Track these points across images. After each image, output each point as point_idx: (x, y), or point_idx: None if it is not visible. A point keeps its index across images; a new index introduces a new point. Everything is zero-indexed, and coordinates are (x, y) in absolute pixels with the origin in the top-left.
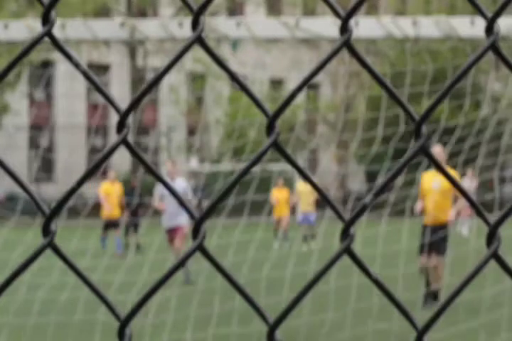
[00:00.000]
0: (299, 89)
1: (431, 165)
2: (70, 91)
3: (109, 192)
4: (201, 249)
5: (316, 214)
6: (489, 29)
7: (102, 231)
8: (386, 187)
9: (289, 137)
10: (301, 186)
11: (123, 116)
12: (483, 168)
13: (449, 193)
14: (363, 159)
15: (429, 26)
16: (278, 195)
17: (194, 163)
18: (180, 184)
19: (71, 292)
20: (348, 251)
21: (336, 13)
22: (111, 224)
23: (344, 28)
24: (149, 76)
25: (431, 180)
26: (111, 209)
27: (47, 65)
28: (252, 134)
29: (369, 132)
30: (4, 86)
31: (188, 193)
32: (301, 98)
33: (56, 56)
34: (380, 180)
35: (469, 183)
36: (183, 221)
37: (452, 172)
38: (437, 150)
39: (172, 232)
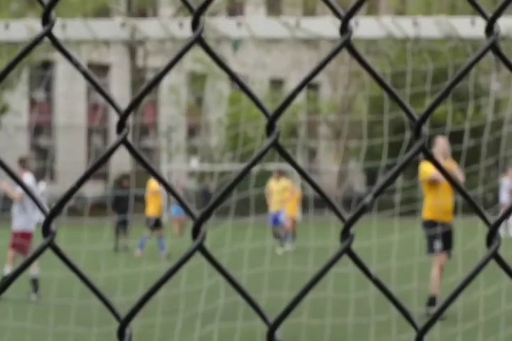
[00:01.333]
0: (299, 89)
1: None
2: (70, 91)
3: (156, 191)
4: (201, 248)
5: (285, 212)
6: (489, 29)
7: (150, 231)
8: (386, 187)
9: (290, 137)
10: (272, 184)
11: (123, 116)
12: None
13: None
14: (364, 160)
15: (429, 26)
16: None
17: (194, 163)
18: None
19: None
20: (348, 251)
21: (336, 13)
22: (154, 223)
23: (344, 28)
24: (149, 76)
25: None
26: (156, 207)
27: (47, 65)
28: (255, 134)
29: (371, 133)
30: (4, 86)
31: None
32: (301, 98)
33: (56, 56)
34: (380, 180)
35: (510, 182)
36: (33, 227)
37: (454, 165)
38: (441, 142)
39: (23, 237)
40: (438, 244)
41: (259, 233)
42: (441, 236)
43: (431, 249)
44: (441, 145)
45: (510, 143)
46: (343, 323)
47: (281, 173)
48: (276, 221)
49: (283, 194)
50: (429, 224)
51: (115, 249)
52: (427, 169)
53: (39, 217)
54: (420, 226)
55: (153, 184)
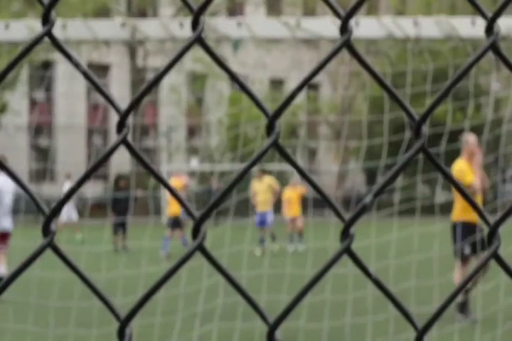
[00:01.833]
0: (299, 89)
1: (461, 154)
2: (70, 91)
3: (178, 189)
4: (201, 248)
5: (272, 213)
6: (489, 29)
7: (169, 230)
8: (386, 187)
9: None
10: (256, 185)
11: (123, 116)
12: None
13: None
14: (364, 160)
15: (429, 26)
16: (291, 194)
17: (194, 163)
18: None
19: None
20: (348, 251)
21: (336, 13)
22: (177, 223)
23: (344, 28)
24: (149, 76)
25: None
26: (177, 206)
27: (47, 65)
28: (255, 134)
29: (371, 133)
30: (4, 86)
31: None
32: (301, 98)
33: (56, 56)
34: (380, 180)
35: None
36: (9, 225)
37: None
38: (472, 140)
39: None
40: (467, 249)
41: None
42: (471, 239)
43: (460, 253)
44: (473, 145)
45: (510, 141)
46: (341, 324)
47: (263, 172)
48: (262, 222)
49: (268, 193)
50: (462, 226)
51: (115, 250)
52: (463, 174)
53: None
54: (418, 225)
55: (173, 182)
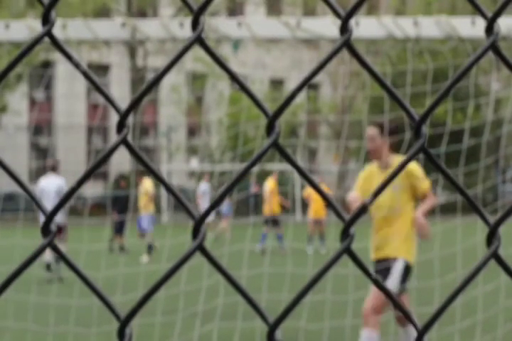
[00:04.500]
0: (299, 89)
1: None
2: (70, 91)
3: (273, 189)
4: (201, 248)
5: (147, 218)
6: (489, 29)
7: (265, 227)
8: (386, 187)
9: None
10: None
11: (123, 116)
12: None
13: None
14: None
15: (429, 26)
16: (316, 194)
17: (194, 163)
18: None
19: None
20: (348, 251)
21: (336, 13)
22: (272, 221)
23: (344, 28)
24: (149, 76)
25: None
26: (273, 205)
27: (47, 65)
28: (255, 134)
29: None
30: (4, 86)
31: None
32: (301, 98)
33: (56, 56)
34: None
35: None
36: (63, 219)
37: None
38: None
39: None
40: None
41: (259, 233)
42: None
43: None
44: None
45: (510, 142)
46: (342, 325)
47: (142, 173)
48: (139, 225)
49: (145, 197)
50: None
51: (110, 249)
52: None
53: None
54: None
55: (270, 183)
